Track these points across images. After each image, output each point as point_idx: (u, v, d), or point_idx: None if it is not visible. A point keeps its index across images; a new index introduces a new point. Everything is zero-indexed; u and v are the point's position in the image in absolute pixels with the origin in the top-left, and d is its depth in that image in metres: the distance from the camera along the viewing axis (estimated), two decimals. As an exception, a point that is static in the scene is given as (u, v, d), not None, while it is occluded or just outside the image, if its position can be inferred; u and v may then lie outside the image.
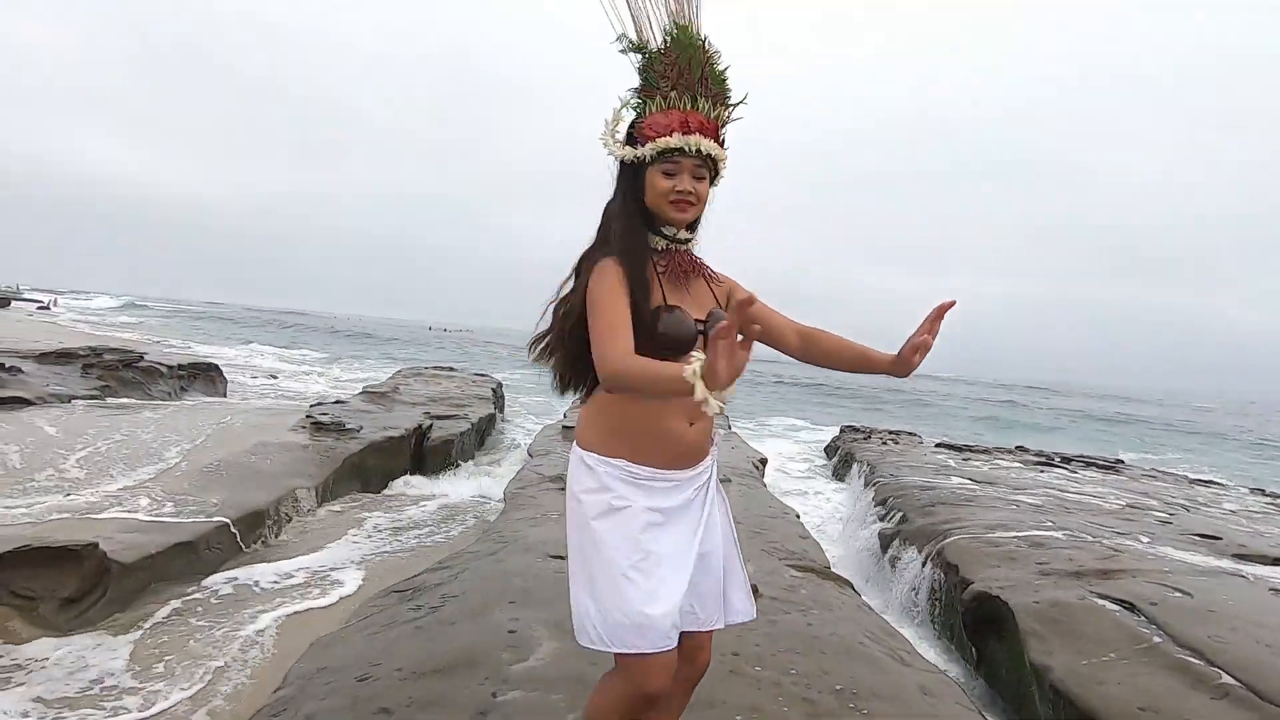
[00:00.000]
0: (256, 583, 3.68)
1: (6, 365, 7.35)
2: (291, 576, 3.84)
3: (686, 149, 1.35)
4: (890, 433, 11.28)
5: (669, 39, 1.39)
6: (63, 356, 8.74)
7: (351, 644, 2.53)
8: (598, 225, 1.44)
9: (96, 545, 3.20)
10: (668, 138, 1.35)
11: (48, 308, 37.80)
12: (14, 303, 35.15)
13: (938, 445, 9.90)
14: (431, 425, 7.56)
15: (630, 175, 1.40)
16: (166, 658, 2.83)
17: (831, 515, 7.26)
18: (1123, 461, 9.31)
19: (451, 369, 13.16)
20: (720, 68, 1.41)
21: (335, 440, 6.31)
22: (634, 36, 1.40)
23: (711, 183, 1.42)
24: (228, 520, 4.08)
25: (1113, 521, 5.15)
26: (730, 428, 9.60)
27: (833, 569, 3.84)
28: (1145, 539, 4.63)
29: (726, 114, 1.41)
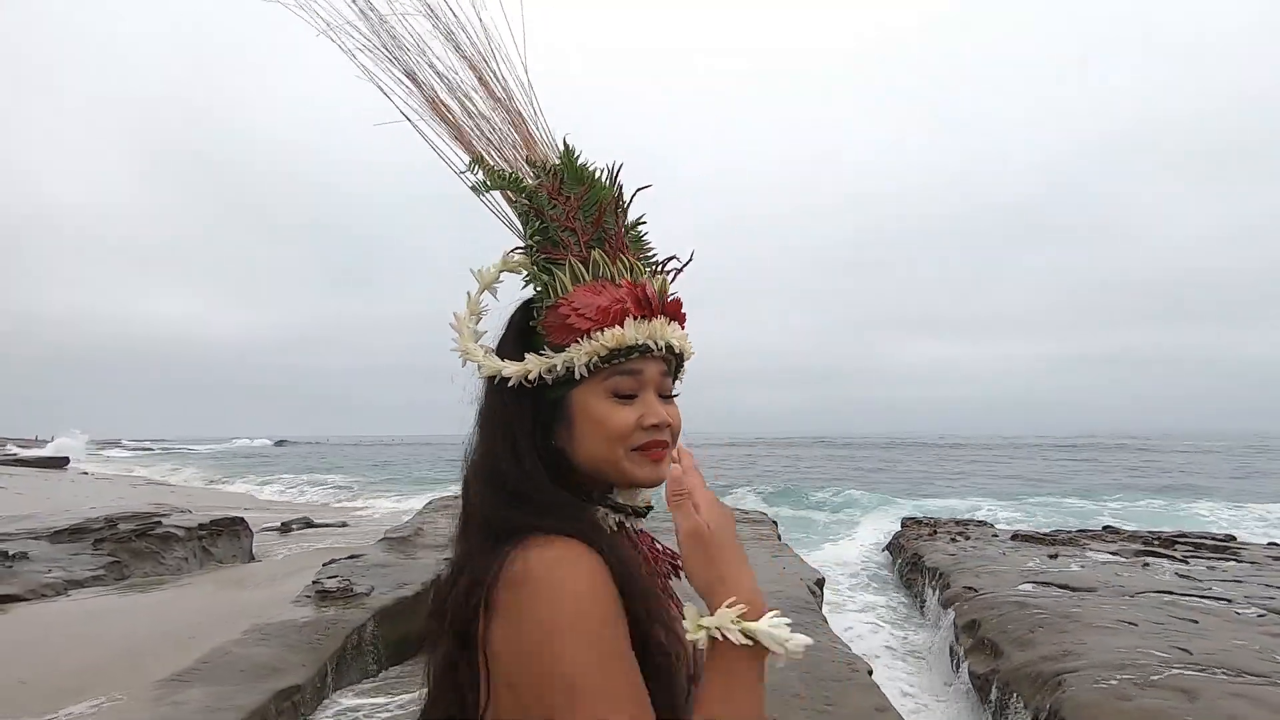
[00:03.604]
0: None
1: (11, 553, 7.01)
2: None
3: (653, 346, 0.80)
4: (957, 523, 10.27)
5: (551, 170, 0.85)
6: (76, 533, 8.42)
7: None
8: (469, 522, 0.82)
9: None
10: (617, 329, 0.79)
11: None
12: (73, 461, 35.56)
13: (1014, 536, 8.87)
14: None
15: (529, 408, 0.82)
16: None
17: (904, 645, 6.33)
18: (1234, 538, 8.17)
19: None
20: (629, 208, 0.87)
21: (342, 608, 5.70)
22: (493, 164, 0.86)
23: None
24: None
25: (1263, 640, 4.20)
26: (780, 536, 8.73)
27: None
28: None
29: (668, 280, 0.87)
